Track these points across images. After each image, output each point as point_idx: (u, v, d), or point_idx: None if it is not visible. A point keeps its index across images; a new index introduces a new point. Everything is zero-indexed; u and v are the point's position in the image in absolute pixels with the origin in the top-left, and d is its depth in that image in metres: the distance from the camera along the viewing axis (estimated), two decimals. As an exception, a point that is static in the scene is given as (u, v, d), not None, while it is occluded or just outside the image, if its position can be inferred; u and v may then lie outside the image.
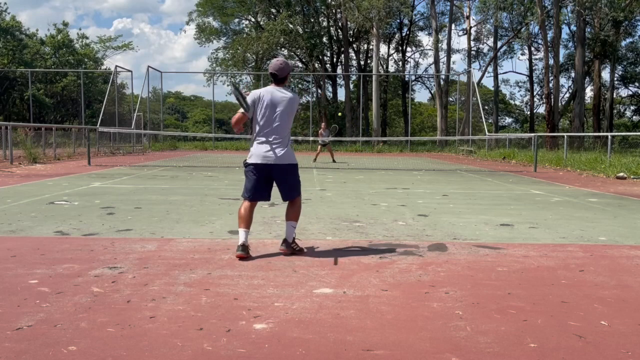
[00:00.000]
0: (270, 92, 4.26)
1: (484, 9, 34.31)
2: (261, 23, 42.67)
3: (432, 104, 52.23)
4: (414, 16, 43.46)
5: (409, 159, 22.57)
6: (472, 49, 40.34)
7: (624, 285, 3.58)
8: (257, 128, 4.27)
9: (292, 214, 4.36)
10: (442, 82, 36.85)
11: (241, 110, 4.20)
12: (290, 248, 4.30)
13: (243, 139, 33.21)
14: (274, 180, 4.36)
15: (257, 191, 4.34)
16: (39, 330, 2.62)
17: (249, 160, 4.29)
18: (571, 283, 3.60)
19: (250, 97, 4.26)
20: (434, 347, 2.49)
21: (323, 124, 20.24)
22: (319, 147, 19.46)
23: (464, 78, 36.74)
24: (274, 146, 4.22)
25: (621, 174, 12.80)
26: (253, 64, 43.04)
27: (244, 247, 4.14)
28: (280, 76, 4.27)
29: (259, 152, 4.23)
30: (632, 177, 12.75)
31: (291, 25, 37.82)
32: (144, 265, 3.90)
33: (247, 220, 4.25)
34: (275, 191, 4.45)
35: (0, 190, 8.60)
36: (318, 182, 10.86)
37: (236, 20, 44.61)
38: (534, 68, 43.75)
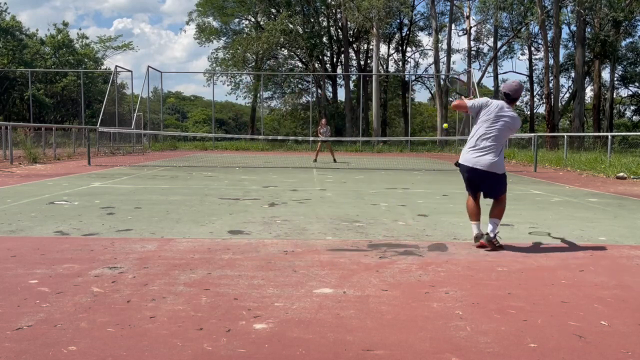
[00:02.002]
0: (500, 105, 4.66)
1: (484, 9, 34.33)
2: (261, 23, 42.66)
3: (432, 104, 52.20)
4: (414, 16, 43.47)
5: (409, 159, 22.57)
6: (472, 49, 40.35)
7: (624, 285, 3.58)
8: (476, 133, 4.67)
9: (497, 212, 4.65)
10: (442, 82, 36.85)
11: (467, 98, 4.77)
12: (491, 244, 4.52)
13: (243, 139, 33.21)
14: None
15: (471, 189, 4.78)
16: (39, 330, 2.62)
17: (460, 161, 4.76)
18: (571, 283, 3.60)
19: (482, 99, 4.72)
20: (434, 347, 2.49)
21: (323, 120, 20.15)
22: (319, 144, 19.42)
23: (464, 78, 36.73)
24: (485, 153, 4.61)
25: (621, 174, 12.80)
26: (253, 64, 43.05)
27: (477, 237, 4.61)
28: (513, 97, 4.69)
29: (470, 156, 4.66)
30: (632, 177, 12.75)
31: (291, 25, 37.81)
32: (144, 265, 3.90)
33: (474, 214, 4.69)
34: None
35: (0, 190, 8.60)
36: (318, 182, 10.86)
37: (236, 20, 44.63)
38: (534, 68, 43.75)
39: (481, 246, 4.57)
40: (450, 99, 41.82)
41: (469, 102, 4.72)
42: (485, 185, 4.70)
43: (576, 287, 3.50)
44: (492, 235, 4.53)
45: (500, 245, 4.59)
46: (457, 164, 4.80)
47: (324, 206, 7.23)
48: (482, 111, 4.66)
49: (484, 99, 4.73)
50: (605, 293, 3.38)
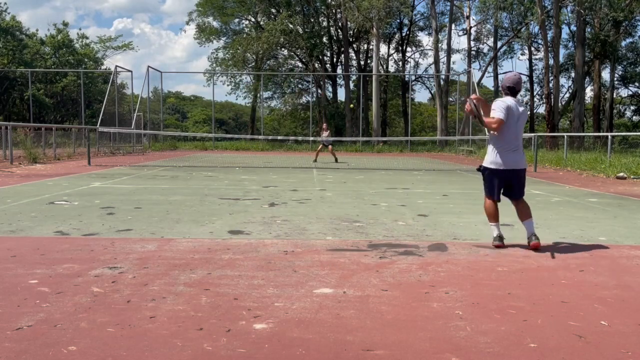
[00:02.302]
0: (515, 103, 4.66)
1: (484, 9, 34.29)
2: (261, 23, 42.66)
3: (432, 104, 52.20)
4: (414, 16, 43.47)
5: (409, 159, 22.57)
6: (472, 49, 40.34)
7: (624, 285, 3.58)
8: (507, 134, 4.64)
9: (528, 211, 4.77)
10: (442, 82, 36.84)
11: (494, 117, 4.62)
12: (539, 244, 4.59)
13: (243, 139, 33.21)
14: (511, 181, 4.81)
15: (499, 190, 4.80)
16: (39, 330, 2.62)
17: (494, 166, 4.72)
18: (571, 283, 3.60)
19: (501, 104, 4.61)
20: (434, 347, 2.49)
21: (325, 124, 20.21)
22: (320, 146, 19.44)
23: (464, 78, 36.76)
24: (521, 152, 4.78)
25: (621, 174, 12.80)
26: (253, 64, 43.05)
27: (500, 238, 4.70)
28: (517, 89, 4.71)
29: (510, 158, 4.68)
30: (632, 177, 12.75)
31: (291, 25, 37.80)
32: (144, 265, 3.90)
33: (496, 215, 4.76)
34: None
35: (0, 190, 8.60)
36: (318, 182, 10.86)
37: (236, 20, 44.64)
38: (534, 68, 43.77)
39: (535, 248, 4.56)
40: (451, 99, 41.89)
41: (499, 115, 4.58)
42: (519, 184, 4.81)
43: (576, 287, 3.50)
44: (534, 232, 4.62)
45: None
46: (484, 168, 4.80)
47: (324, 206, 7.22)
48: (508, 115, 4.61)
49: (502, 104, 4.62)
50: (605, 293, 3.38)
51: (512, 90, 4.67)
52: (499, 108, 4.61)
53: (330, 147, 19.17)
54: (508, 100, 4.65)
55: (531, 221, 4.70)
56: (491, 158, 4.74)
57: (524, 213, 4.75)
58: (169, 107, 66.00)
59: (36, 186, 9.34)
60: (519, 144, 4.76)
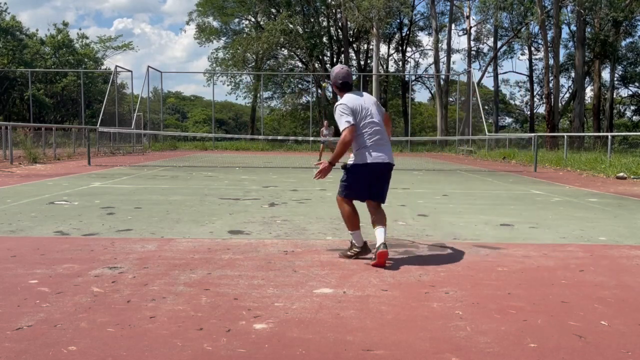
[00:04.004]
0: (353, 97, 4.21)
1: (484, 9, 34.31)
2: (261, 23, 42.66)
3: (432, 104, 52.20)
4: (414, 16, 43.47)
5: (409, 159, 22.56)
6: (472, 49, 40.35)
7: (624, 285, 3.58)
8: (363, 133, 4.17)
9: (383, 217, 4.26)
10: (442, 82, 36.84)
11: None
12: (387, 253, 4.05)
13: (243, 139, 33.21)
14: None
15: (365, 190, 4.32)
16: (39, 330, 2.61)
17: (360, 161, 4.23)
18: (571, 283, 3.60)
19: (345, 110, 4.11)
20: (434, 347, 2.49)
21: (326, 122, 20.14)
22: (322, 145, 19.40)
23: (464, 78, 36.75)
24: (386, 147, 4.26)
25: (621, 174, 12.80)
26: (253, 64, 43.05)
27: (367, 247, 4.23)
28: (351, 82, 4.32)
29: (373, 154, 4.16)
30: (632, 177, 12.75)
31: (291, 25, 37.81)
32: (144, 265, 3.90)
33: (357, 220, 4.26)
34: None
35: (0, 190, 8.60)
36: (318, 182, 10.86)
37: (236, 20, 44.66)
38: (534, 68, 43.79)
39: (379, 265, 3.93)
40: (451, 99, 41.89)
41: (345, 122, 4.07)
42: (385, 183, 4.28)
43: (576, 287, 3.50)
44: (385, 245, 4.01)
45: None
46: (348, 166, 4.26)
47: (324, 206, 7.22)
48: (354, 113, 4.12)
49: (342, 107, 4.13)
50: (605, 293, 3.38)
51: (347, 85, 4.27)
52: (340, 114, 4.11)
53: (331, 145, 19.13)
54: (346, 98, 4.19)
55: (385, 229, 4.14)
56: (355, 157, 4.22)
57: (382, 217, 4.21)
58: (169, 107, 66.00)
59: (36, 186, 9.34)
60: (383, 135, 4.19)
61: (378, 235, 4.07)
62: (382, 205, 4.33)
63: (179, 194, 8.44)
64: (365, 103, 4.21)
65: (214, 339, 2.53)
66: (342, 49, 40.50)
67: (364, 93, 4.34)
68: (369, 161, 4.14)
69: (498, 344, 2.52)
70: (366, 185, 4.23)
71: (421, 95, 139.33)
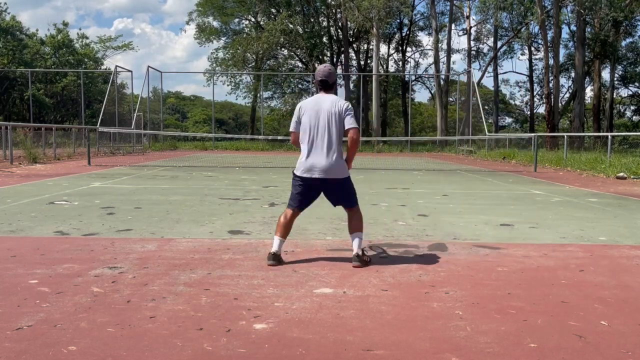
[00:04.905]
0: (312, 102, 4.12)
1: (484, 9, 34.30)
2: (261, 23, 42.66)
3: (432, 104, 52.21)
4: (414, 16, 43.45)
5: (409, 159, 22.56)
6: (472, 49, 40.35)
7: (624, 285, 3.58)
8: (305, 140, 4.10)
9: (357, 224, 4.17)
10: (442, 82, 36.84)
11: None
12: (363, 261, 3.96)
13: (243, 139, 33.20)
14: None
15: (302, 200, 4.20)
16: (39, 330, 2.61)
17: (298, 173, 4.13)
18: (571, 283, 3.60)
19: (295, 114, 4.11)
20: (434, 347, 2.49)
21: None
22: None
23: (464, 78, 36.75)
24: (327, 158, 4.07)
25: (621, 174, 12.80)
26: (253, 64, 43.04)
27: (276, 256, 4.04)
28: (331, 81, 4.16)
29: (310, 164, 4.05)
30: (632, 177, 12.75)
31: (291, 25, 37.80)
32: (144, 265, 3.90)
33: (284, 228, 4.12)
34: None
35: (0, 190, 8.60)
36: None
37: (236, 20, 44.63)
38: (534, 68, 43.79)
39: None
40: (451, 99, 41.89)
41: (290, 128, 4.15)
42: (332, 194, 4.17)
43: (576, 287, 3.50)
44: (360, 252, 3.97)
45: (370, 260, 4.04)
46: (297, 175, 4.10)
47: (324, 206, 7.21)
48: (299, 117, 4.08)
49: (296, 111, 4.10)
50: (605, 293, 3.38)
51: (324, 84, 4.10)
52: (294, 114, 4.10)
53: None
54: (306, 100, 4.13)
55: (360, 235, 4.06)
56: (297, 164, 4.09)
57: (352, 226, 4.11)
58: (169, 107, 65.99)
59: (36, 186, 9.34)
60: (325, 145, 3.96)
61: (352, 245, 4.03)
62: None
63: (179, 194, 8.44)
64: (321, 110, 4.01)
65: (214, 339, 2.53)
66: (342, 49, 40.48)
67: (332, 98, 4.07)
68: (297, 174, 4.08)
69: (498, 344, 2.52)
70: (300, 195, 4.11)
71: (421, 95, 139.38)
